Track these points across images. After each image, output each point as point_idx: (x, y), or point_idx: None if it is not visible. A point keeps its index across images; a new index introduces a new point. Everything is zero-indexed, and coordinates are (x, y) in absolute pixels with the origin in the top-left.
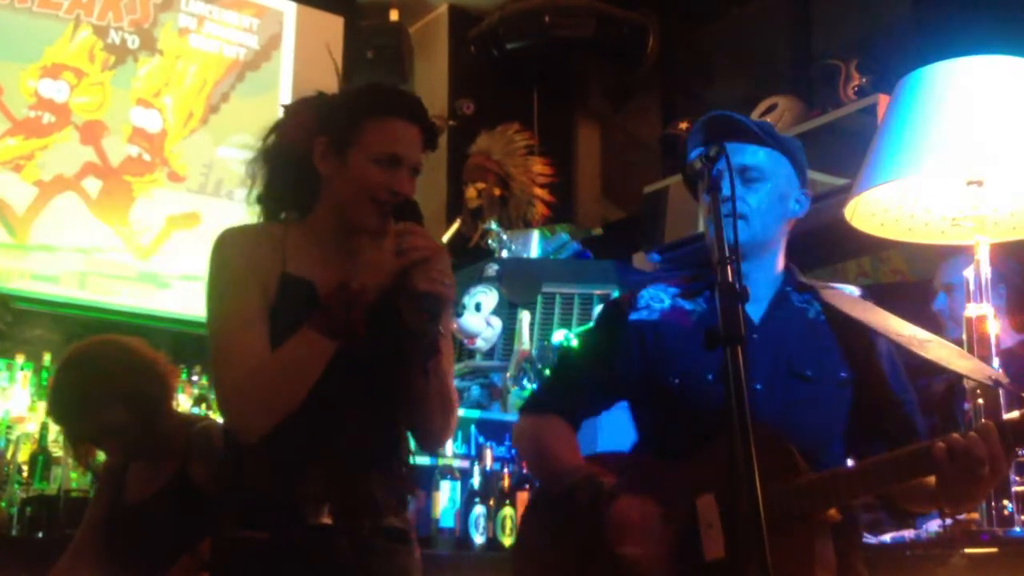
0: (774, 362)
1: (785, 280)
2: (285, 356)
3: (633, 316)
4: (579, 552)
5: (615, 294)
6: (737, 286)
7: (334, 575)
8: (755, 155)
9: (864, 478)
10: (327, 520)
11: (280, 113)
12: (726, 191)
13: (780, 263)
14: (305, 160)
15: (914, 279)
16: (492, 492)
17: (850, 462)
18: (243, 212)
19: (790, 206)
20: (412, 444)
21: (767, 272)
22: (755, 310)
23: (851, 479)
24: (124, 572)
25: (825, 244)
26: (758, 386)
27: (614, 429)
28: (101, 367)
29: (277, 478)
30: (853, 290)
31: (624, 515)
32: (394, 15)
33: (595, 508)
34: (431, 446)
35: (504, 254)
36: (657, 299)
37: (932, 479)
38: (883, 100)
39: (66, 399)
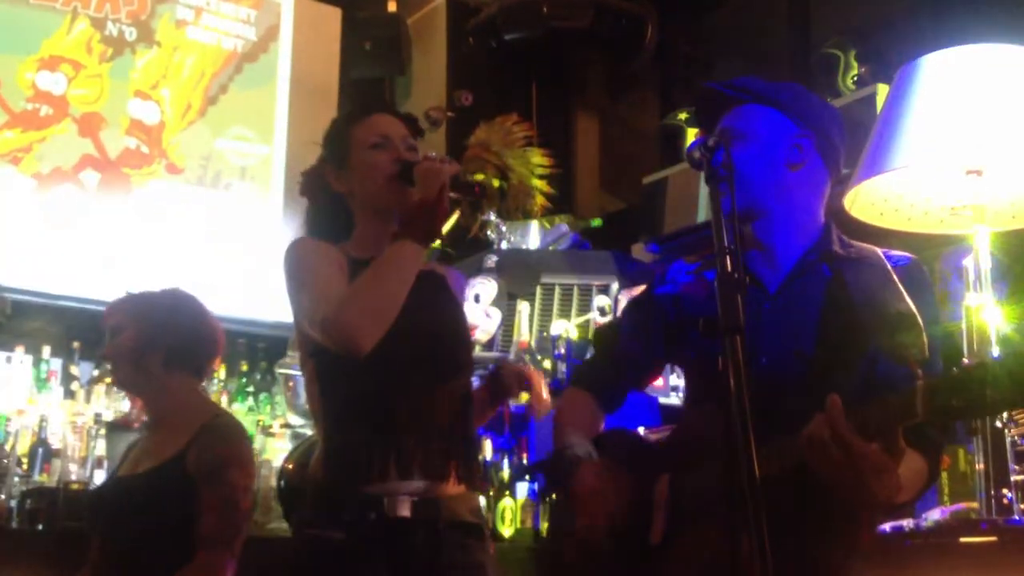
0: (781, 337)
1: (815, 247)
2: (379, 264)
3: (659, 290)
4: (564, 520)
5: (614, 285)
6: (736, 276)
7: (411, 569)
8: (731, 117)
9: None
10: (406, 513)
11: (278, 107)
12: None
13: (809, 224)
14: (330, 198)
15: None
16: (492, 482)
17: None
18: (241, 204)
19: (781, 154)
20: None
21: (790, 236)
22: (772, 275)
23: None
24: (109, 546)
25: None
26: (763, 360)
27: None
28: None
29: (360, 471)
30: (902, 259)
31: (580, 483)
32: (392, 6)
33: (564, 478)
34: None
35: (503, 245)
36: (681, 272)
37: None
38: (882, 90)
39: None
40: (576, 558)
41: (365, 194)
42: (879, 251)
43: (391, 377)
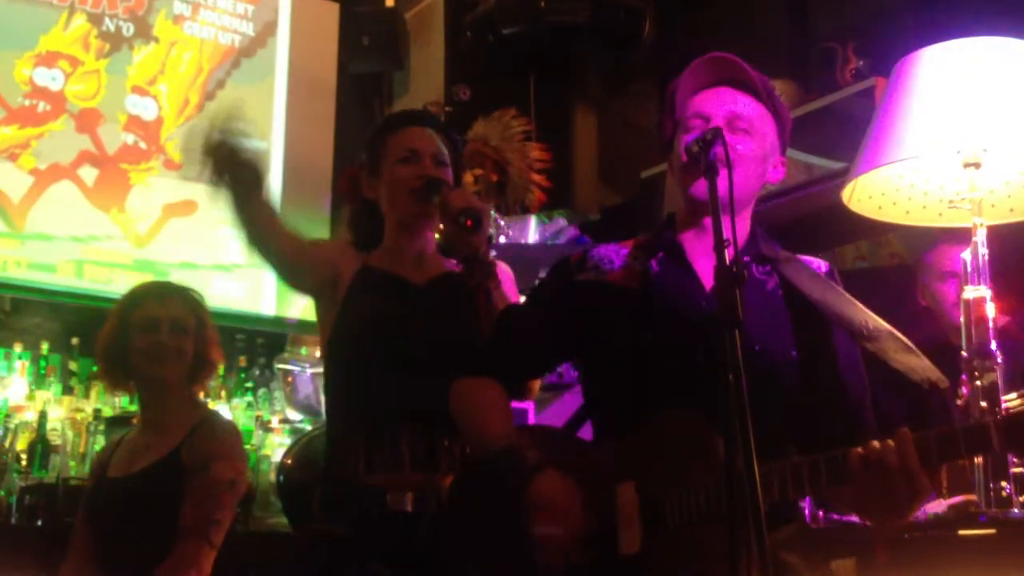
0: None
1: (747, 247)
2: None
3: (580, 276)
4: (503, 526)
5: None
6: (735, 270)
7: (414, 562)
8: (749, 106)
9: (779, 484)
10: (408, 507)
11: (276, 102)
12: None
13: (746, 227)
14: (364, 202)
15: (912, 262)
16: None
17: None
18: None
19: (767, 168)
20: None
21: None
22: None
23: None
24: (105, 549)
25: (823, 228)
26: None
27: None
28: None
29: (362, 465)
30: (820, 265)
31: (542, 493)
32: (389, 1)
33: (516, 482)
34: (516, 390)
35: (501, 240)
36: (607, 260)
37: None
38: (880, 83)
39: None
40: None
41: (390, 205)
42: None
43: (391, 383)
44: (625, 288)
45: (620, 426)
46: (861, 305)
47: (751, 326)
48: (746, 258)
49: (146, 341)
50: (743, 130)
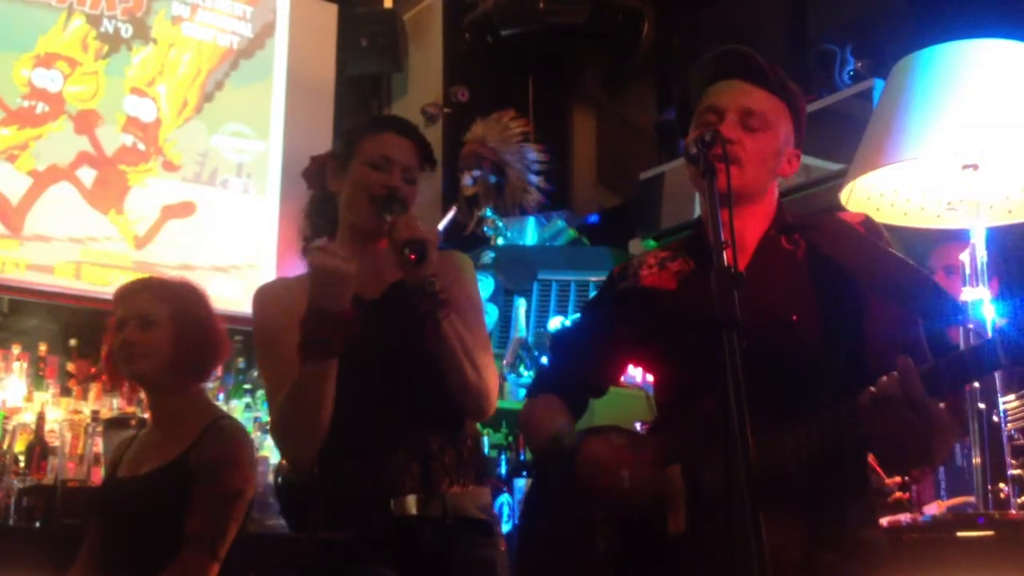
0: (759, 312)
1: (773, 223)
2: (290, 389)
3: (621, 284)
4: (561, 515)
5: None
6: (733, 271)
7: (420, 566)
8: (764, 101)
9: (802, 438)
10: (413, 511)
11: (274, 103)
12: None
13: (770, 209)
14: (325, 192)
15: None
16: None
17: None
18: (238, 201)
19: (782, 162)
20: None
21: (755, 220)
22: (740, 259)
23: (786, 440)
24: (109, 550)
25: None
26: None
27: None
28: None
29: (363, 472)
30: (851, 218)
31: (587, 456)
32: (388, 2)
33: (564, 466)
34: (473, 411)
35: (500, 241)
36: (646, 264)
37: None
38: (879, 85)
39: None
40: (586, 544)
41: (347, 206)
42: (832, 214)
43: (361, 395)
44: (662, 290)
45: (669, 418)
46: (896, 255)
47: (785, 298)
48: (773, 231)
49: (117, 341)
50: (756, 128)
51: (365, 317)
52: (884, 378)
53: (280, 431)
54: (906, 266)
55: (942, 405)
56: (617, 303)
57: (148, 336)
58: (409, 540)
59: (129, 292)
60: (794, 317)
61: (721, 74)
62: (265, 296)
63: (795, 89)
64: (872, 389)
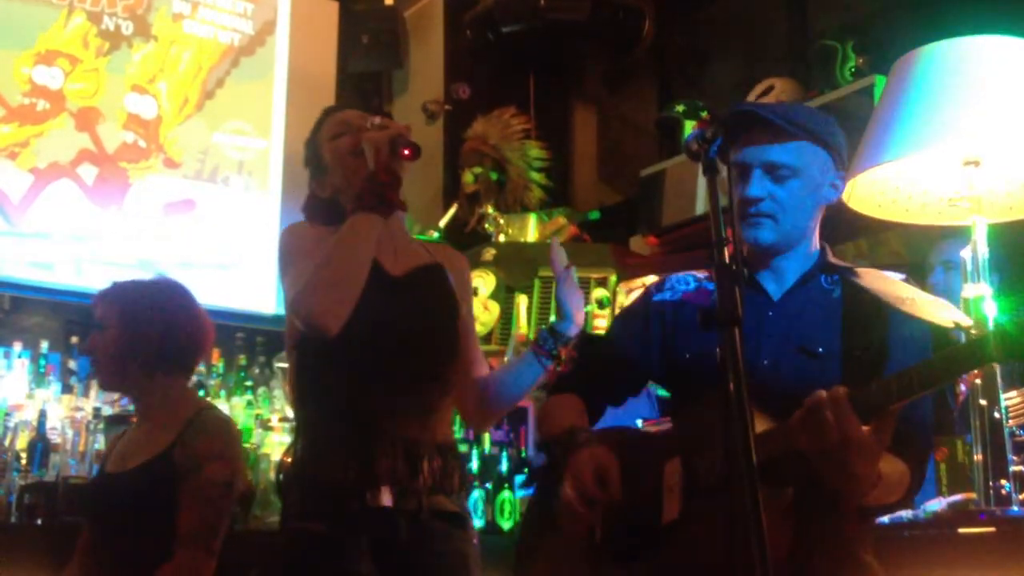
0: (785, 339)
1: (816, 262)
2: (335, 241)
3: (656, 297)
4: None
5: (612, 278)
6: (735, 267)
7: (394, 556)
8: (784, 151)
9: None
10: (388, 502)
11: (275, 101)
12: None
13: (813, 246)
14: (325, 204)
15: (912, 261)
16: (491, 476)
17: None
18: (238, 198)
19: (823, 193)
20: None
21: (799, 259)
22: (777, 289)
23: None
24: (100, 546)
25: (823, 226)
26: (765, 361)
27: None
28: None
29: (340, 461)
30: (894, 275)
31: (576, 464)
32: None
33: (564, 460)
34: (480, 424)
35: (501, 238)
36: (683, 281)
37: None
38: (880, 81)
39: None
40: (578, 534)
41: (341, 183)
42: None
43: (364, 377)
44: (698, 305)
45: (677, 417)
46: (925, 320)
47: (813, 331)
48: (815, 269)
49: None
50: (786, 177)
51: (386, 294)
52: (814, 396)
53: (311, 294)
54: (930, 333)
55: (865, 428)
56: (651, 313)
57: (96, 342)
58: (385, 531)
59: (93, 301)
60: (819, 349)
61: (737, 134)
62: (296, 228)
63: (821, 118)
64: (800, 410)
